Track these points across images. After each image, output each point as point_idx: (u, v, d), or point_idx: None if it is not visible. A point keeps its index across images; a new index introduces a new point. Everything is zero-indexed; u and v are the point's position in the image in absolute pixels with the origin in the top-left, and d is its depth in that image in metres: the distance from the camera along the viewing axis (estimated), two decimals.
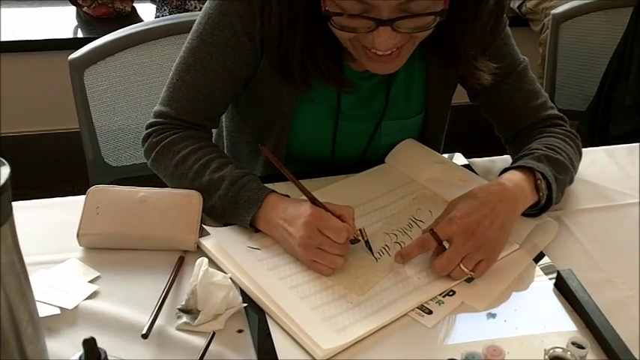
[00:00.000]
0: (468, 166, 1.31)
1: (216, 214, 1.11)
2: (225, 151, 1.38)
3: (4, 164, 0.70)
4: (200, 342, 0.90)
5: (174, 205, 1.09)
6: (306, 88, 1.17)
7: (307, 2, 1.06)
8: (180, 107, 1.20)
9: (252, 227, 1.08)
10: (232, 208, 1.09)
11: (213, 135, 1.36)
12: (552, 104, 1.31)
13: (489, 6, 1.12)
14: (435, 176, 1.24)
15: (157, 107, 1.22)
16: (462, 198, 1.07)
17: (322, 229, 1.00)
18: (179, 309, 0.95)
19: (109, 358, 0.76)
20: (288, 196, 1.09)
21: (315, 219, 1.01)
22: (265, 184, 1.12)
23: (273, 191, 1.09)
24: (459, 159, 1.33)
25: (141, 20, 2.66)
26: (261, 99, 1.23)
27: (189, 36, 1.19)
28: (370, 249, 1.06)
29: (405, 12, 0.99)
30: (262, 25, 1.13)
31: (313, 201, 1.04)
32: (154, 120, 1.22)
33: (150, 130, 1.22)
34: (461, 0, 1.06)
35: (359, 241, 1.05)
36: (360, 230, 1.05)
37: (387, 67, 1.11)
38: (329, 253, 1.01)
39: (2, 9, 2.70)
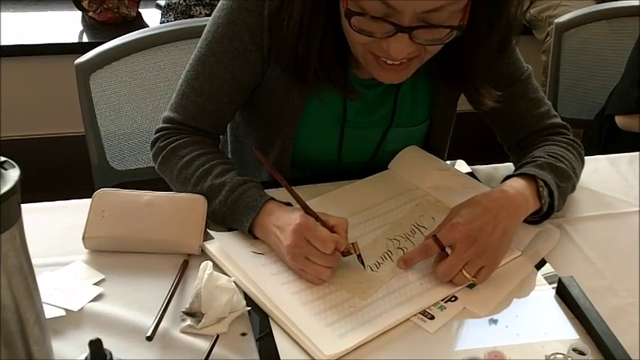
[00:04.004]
0: (470, 174, 1.31)
1: (217, 219, 1.12)
2: (230, 156, 1.39)
3: (13, 167, 0.71)
4: (204, 345, 0.91)
5: (179, 209, 1.10)
6: (317, 90, 1.18)
7: (327, 8, 1.07)
8: (188, 114, 1.21)
9: (250, 234, 1.08)
10: (232, 213, 1.09)
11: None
12: (555, 112, 1.31)
13: (496, 36, 1.12)
14: (438, 183, 1.25)
15: (166, 113, 1.24)
16: (464, 204, 1.08)
17: (309, 239, 1.00)
18: (183, 312, 0.96)
19: (114, 359, 0.77)
20: (289, 204, 1.10)
21: (303, 228, 1.00)
22: (270, 191, 1.12)
23: (272, 198, 1.10)
24: (462, 166, 1.34)
25: (146, 25, 2.67)
26: (267, 106, 1.24)
27: (199, 44, 1.21)
28: (362, 263, 1.05)
29: (424, 22, 1.00)
30: (278, 29, 1.13)
31: (306, 209, 1.04)
32: (162, 125, 1.23)
33: (158, 134, 1.23)
34: (473, 26, 1.06)
35: (351, 254, 1.04)
36: (352, 244, 1.04)
37: (393, 77, 1.12)
38: (315, 264, 1.00)
39: (8, 13, 2.72)
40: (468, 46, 1.11)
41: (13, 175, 0.70)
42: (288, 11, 1.10)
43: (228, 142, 1.40)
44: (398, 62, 1.06)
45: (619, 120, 1.88)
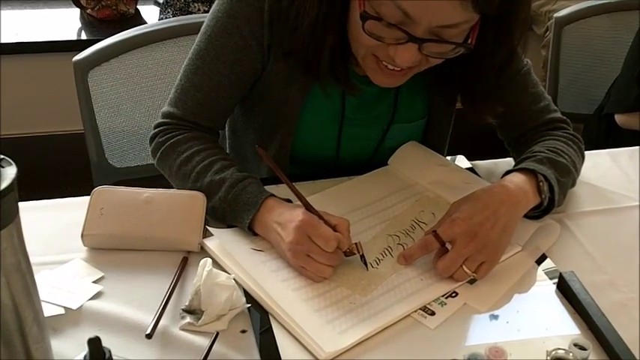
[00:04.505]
0: (470, 169, 1.31)
1: (217, 215, 1.12)
2: (228, 152, 1.39)
3: (10, 164, 0.71)
4: (204, 342, 0.91)
5: (178, 206, 1.09)
6: (317, 86, 1.18)
7: (341, 7, 1.06)
8: (187, 109, 1.21)
9: (250, 230, 1.08)
10: (232, 210, 1.09)
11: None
12: (555, 107, 1.31)
13: (501, 55, 1.12)
14: (438, 179, 1.24)
15: (165, 108, 1.23)
16: (464, 200, 1.08)
17: (312, 236, 1.00)
18: (183, 309, 0.95)
19: (113, 357, 0.77)
20: (289, 200, 1.10)
21: (306, 225, 1.00)
22: (269, 187, 1.12)
23: (272, 195, 1.09)
24: (462, 161, 1.34)
25: (144, 22, 2.67)
26: (266, 102, 1.24)
27: (198, 38, 1.20)
28: (365, 263, 1.05)
29: (435, 35, 1.01)
30: (286, 26, 1.12)
31: (308, 207, 1.04)
32: (161, 120, 1.23)
33: (157, 130, 1.23)
34: (478, 44, 1.05)
35: (354, 254, 1.04)
36: (355, 244, 1.03)
37: (390, 82, 1.13)
38: (317, 262, 1.00)
39: (7, 11, 2.71)
40: (469, 61, 1.12)
41: (10, 172, 0.70)
42: (302, 9, 1.09)
43: (227, 137, 1.40)
44: (398, 68, 1.07)
45: (618, 118, 1.87)
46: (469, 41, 1.03)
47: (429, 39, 1.00)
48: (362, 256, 1.04)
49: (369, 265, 1.05)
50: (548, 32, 2.63)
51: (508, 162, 1.32)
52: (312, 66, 1.14)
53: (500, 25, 1.06)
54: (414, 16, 0.97)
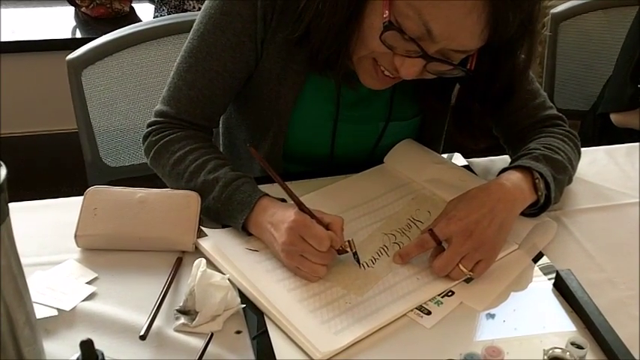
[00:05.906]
0: (467, 167, 1.30)
1: (211, 215, 1.11)
2: (222, 149, 1.38)
3: (0, 165, 0.70)
4: (198, 343, 0.90)
5: (172, 206, 1.08)
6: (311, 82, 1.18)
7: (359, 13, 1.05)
8: (181, 107, 1.20)
9: (244, 230, 1.07)
10: (226, 210, 1.08)
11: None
12: (551, 104, 1.30)
13: (498, 84, 1.13)
14: (434, 176, 1.24)
15: (158, 106, 1.23)
16: (460, 198, 1.07)
17: (305, 237, 0.99)
18: (177, 310, 0.95)
19: (106, 359, 0.76)
20: (284, 200, 1.09)
21: (298, 225, 1.00)
22: (263, 186, 1.11)
23: (266, 194, 1.09)
24: (459, 159, 1.33)
25: (139, 20, 2.66)
26: (259, 98, 1.23)
27: (190, 35, 1.19)
28: (358, 261, 1.04)
29: (443, 56, 1.02)
30: (285, 17, 1.12)
31: (300, 206, 1.03)
32: (155, 119, 1.22)
33: (150, 129, 1.22)
34: (475, 70, 1.07)
35: (347, 252, 1.03)
36: (348, 241, 1.03)
37: (379, 85, 1.13)
38: (311, 262, 1.00)
39: (1, 9, 2.70)
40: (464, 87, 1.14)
41: (0, 174, 0.69)
42: (323, 11, 1.07)
43: (220, 134, 1.39)
44: (393, 76, 1.07)
45: (614, 117, 1.86)
46: (468, 66, 1.05)
47: (436, 58, 1.01)
48: (354, 254, 1.04)
49: (364, 264, 1.04)
50: (544, 28, 2.63)
51: (504, 159, 1.32)
52: (325, 63, 1.13)
53: (497, 54, 1.07)
54: (436, 36, 0.98)
